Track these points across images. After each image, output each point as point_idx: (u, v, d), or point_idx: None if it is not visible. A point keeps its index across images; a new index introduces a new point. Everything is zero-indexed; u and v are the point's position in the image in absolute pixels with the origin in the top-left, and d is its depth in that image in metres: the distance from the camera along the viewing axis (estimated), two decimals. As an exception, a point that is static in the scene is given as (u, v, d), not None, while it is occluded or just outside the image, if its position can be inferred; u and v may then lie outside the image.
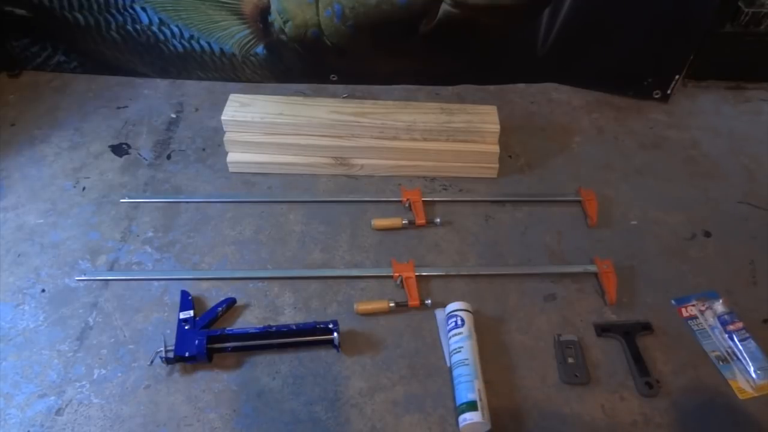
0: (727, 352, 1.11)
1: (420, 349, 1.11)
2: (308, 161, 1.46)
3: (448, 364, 1.07)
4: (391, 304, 1.15)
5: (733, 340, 1.12)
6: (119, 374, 1.06)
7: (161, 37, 1.69)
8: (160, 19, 1.64)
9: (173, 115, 1.68)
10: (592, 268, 1.23)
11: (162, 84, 1.79)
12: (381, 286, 1.22)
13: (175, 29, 1.67)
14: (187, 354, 1.06)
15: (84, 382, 1.05)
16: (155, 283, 1.22)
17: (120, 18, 1.65)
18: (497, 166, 1.46)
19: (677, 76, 1.69)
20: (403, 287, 1.20)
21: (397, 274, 1.21)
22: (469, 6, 1.53)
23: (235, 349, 1.08)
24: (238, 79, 1.79)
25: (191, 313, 1.13)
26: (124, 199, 1.40)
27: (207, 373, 1.07)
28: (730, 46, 1.74)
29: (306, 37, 1.65)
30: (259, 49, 1.70)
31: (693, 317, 1.17)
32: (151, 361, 1.07)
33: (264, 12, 1.60)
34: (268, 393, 1.05)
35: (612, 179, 1.49)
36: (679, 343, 1.13)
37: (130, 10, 1.62)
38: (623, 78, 1.73)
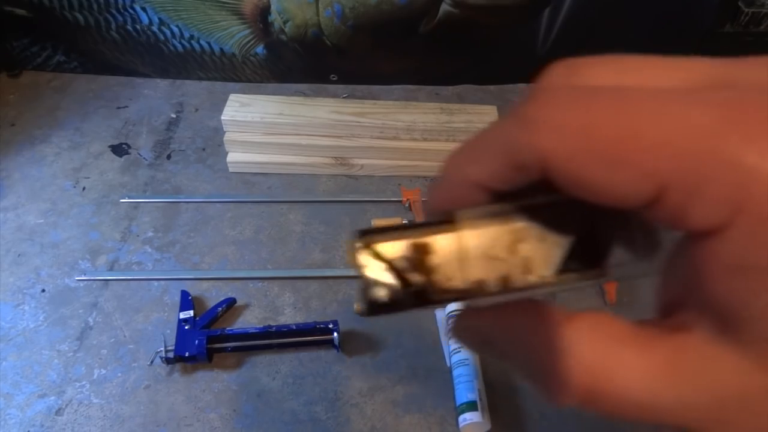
0: (727, 352, 1.11)
1: (420, 349, 1.11)
2: (308, 161, 1.46)
3: (448, 364, 1.07)
4: (391, 304, 1.15)
5: (733, 340, 1.11)
6: (119, 374, 1.06)
7: (161, 37, 1.69)
8: (160, 19, 1.64)
9: (173, 115, 1.68)
10: (592, 268, 1.23)
11: (162, 84, 1.79)
12: (381, 286, 1.21)
13: (175, 29, 1.67)
14: (187, 354, 1.06)
15: (84, 382, 1.05)
16: (155, 283, 1.22)
17: (120, 18, 1.65)
18: (497, 166, 1.46)
19: (677, 76, 1.68)
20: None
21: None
22: (469, 6, 1.53)
23: (235, 349, 1.08)
24: (238, 79, 1.79)
25: (191, 313, 1.13)
26: (124, 199, 1.40)
27: (207, 373, 1.07)
28: (730, 46, 1.74)
29: (306, 37, 1.65)
30: (259, 49, 1.70)
31: (693, 317, 1.17)
32: (151, 361, 1.07)
33: (264, 12, 1.60)
34: (268, 393, 1.05)
35: (612, 179, 1.48)
36: (679, 343, 1.13)
37: (130, 10, 1.62)
38: (623, 78, 1.73)
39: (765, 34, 1.74)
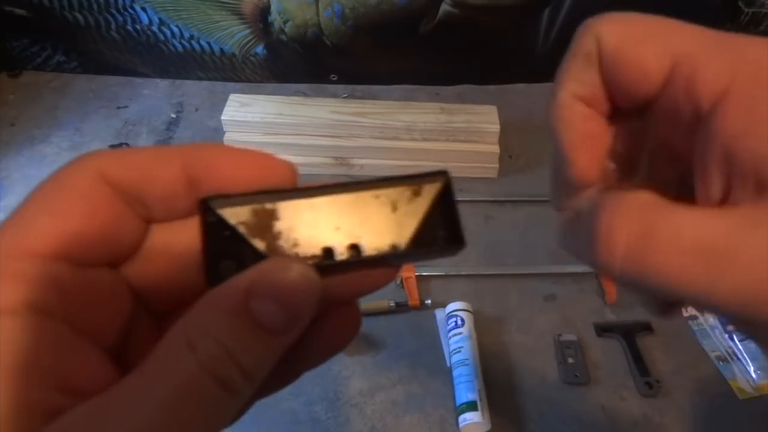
0: (727, 351, 1.11)
1: (420, 349, 1.11)
2: (308, 161, 1.46)
3: (448, 364, 1.07)
4: (391, 304, 1.15)
5: (733, 339, 1.12)
6: (119, 374, 1.06)
7: (161, 37, 1.69)
8: (160, 19, 1.64)
9: (173, 115, 1.68)
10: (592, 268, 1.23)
11: (162, 84, 1.79)
12: (381, 286, 1.21)
13: (175, 29, 1.67)
14: (187, 354, 1.05)
15: (84, 382, 1.05)
16: (155, 283, 1.21)
17: (120, 18, 1.65)
18: (497, 166, 1.46)
19: (677, 76, 1.68)
20: (403, 287, 1.20)
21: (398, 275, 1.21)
22: (469, 6, 1.53)
23: (235, 349, 1.08)
24: (238, 79, 1.79)
25: (191, 313, 1.13)
26: (124, 199, 1.40)
27: (207, 373, 1.07)
28: (730, 46, 1.74)
29: (306, 37, 1.65)
30: (259, 49, 1.70)
31: (693, 317, 1.17)
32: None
33: (264, 12, 1.60)
34: (268, 393, 1.04)
35: (612, 179, 1.48)
36: (679, 343, 1.13)
37: (130, 10, 1.63)
38: (623, 78, 1.73)
39: (765, 33, 1.74)
